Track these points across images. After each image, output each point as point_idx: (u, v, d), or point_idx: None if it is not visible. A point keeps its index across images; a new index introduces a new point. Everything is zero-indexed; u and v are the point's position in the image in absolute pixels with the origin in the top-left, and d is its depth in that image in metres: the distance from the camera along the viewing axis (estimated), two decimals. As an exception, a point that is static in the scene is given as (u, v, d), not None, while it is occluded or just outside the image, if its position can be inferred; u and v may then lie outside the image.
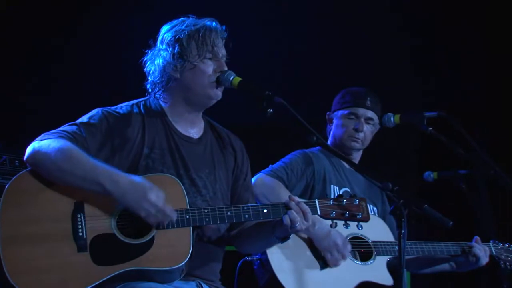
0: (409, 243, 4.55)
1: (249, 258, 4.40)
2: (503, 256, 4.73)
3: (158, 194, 3.30)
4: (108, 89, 5.52)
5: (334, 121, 4.85)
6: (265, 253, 4.23)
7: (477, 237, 4.70)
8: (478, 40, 6.49)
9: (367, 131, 4.78)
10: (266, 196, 4.33)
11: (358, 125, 4.74)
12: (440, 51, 6.55)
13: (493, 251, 4.72)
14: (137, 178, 3.33)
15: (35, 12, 5.74)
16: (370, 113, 4.78)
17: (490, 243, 4.73)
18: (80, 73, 5.81)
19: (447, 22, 6.50)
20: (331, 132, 4.88)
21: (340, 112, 4.83)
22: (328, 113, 4.92)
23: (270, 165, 4.59)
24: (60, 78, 5.74)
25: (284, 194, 4.35)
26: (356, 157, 4.86)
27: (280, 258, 4.23)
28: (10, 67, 5.53)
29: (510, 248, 4.77)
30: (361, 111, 4.77)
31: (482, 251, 4.61)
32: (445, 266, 4.77)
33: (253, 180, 4.29)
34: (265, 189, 4.40)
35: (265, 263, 4.25)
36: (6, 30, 5.67)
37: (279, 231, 3.57)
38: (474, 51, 6.47)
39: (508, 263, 4.73)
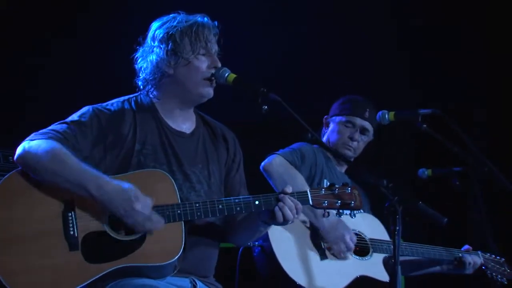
0: (405, 244, 4.62)
1: (250, 244, 4.41)
2: (490, 266, 4.86)
3: (144, 202, 3.29)
4: (104, 86, 5.51)
5: (331, 125, 4.89)
6: (267, 240, 4.26)
7: (468, 246, 4.84)
8: (478, 40, 6.47)
9: (361, 141, 4.85)
10: (282, 175, 4.40)
11: (354, 134, 4.80)
12: (440, 51, 6.53)
13: (482, 261, 4.83)
14: (124, 185, 3.30)
15: (34, 12, 5.75)
16: (367, 124, 4.83)
17: (479, 253, 4.85)
18: (78, 70, 5.81)
19: (447, 22, 6.49)
20: (326, 136, 4.91)
21: (338, 118, 4.87)
22: (325, 116, 4.95)
23: (280, 150, 4.62)
24: (56, 75, 5.74)
25: (299, 177, 4.44)
26: (345, 164, 4.92)
27: (283, 247, 4.29)
28: (5, 64, 5.53)
29: (496, 259, 4.89)
30: (359, 121, 4.82)
31: (473, 261, 4.76)
32: (435, 269, 4.89)
33: (269, 159, 4.45)
34: (282, 169, 4.46)
35: (267, 250, 4.28)
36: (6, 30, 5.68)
37: (264, 215, 3.52)
38: (474, 51, 6.46)
39: (494, 273, 4.86)
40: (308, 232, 4.43)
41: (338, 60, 6.45)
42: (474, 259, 4.77)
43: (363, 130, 4.82)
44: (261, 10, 6.36)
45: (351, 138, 4.78)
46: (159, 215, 3.32)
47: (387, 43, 6.55)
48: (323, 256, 4.38)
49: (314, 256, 4.37)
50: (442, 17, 6.51)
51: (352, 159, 4.83)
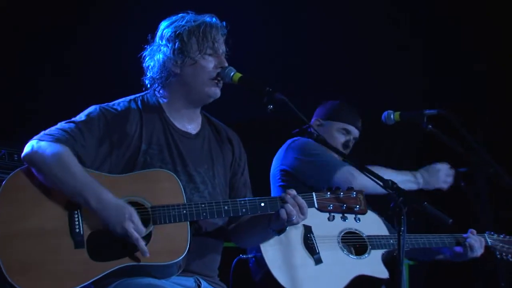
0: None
1: (244, 256, 4.41)
2: (498, 247, 4.75)
3: (137, 225, 3.28)
4: (108, 84, 5.52)
5: (325, 128, 4.91)
6: (259, 251, 4.24)
7: (472, 230, 4.72)
8: (478, 40, 6.49)
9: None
10: (366, 184, 4.10)
11: (348, 143, 4.97)
12: (440, 51, 6.55)
13: (489, 242, 4.74)
14: (121, 202, 3.31)
15: (35, 9, 5.74)
16: (358, 134, 5.02)
17: (486, 234, 4.76)
18: (80, 68, 5.80)
19: (447, 22, 6.51)
20: None
21: (335, 124, 4.98)
22: (320, 118, 5.00)
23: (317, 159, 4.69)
24: (59, 73, 5.73)
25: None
26: None
27: (274, 255, 4.25)
28: (9, 61, 5.52)
29: (506, 239, 4.77)
30: (355, 131, 5.01)
31: (477, 242, 4.65)
32: (441, 256, 4.82)
33: (348, 179, 4.46)
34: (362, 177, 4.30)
35: (260, 260, 4.26)
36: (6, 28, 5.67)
37: (275, 224, 3.54)
38: (474, 51, 6.47)
39: (504, 254, 4.74)
40: (301, 238, 4.39)
41: (338, 60, 6.45)
42: (480, 239, 4.67)
43: (354, 139, 5.00)
44: (261, 10, 6.35)
45: (346, 146, 4.93)
46: (147, 247, 3.30)
47: (387, 43, 6.55)
48: (318, 261, 4.34)
49: (308, 261, 4.33)
50: (442, 17, 6.52)
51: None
